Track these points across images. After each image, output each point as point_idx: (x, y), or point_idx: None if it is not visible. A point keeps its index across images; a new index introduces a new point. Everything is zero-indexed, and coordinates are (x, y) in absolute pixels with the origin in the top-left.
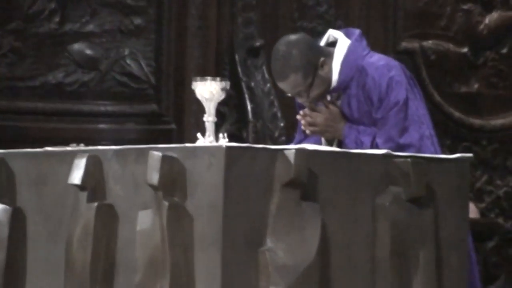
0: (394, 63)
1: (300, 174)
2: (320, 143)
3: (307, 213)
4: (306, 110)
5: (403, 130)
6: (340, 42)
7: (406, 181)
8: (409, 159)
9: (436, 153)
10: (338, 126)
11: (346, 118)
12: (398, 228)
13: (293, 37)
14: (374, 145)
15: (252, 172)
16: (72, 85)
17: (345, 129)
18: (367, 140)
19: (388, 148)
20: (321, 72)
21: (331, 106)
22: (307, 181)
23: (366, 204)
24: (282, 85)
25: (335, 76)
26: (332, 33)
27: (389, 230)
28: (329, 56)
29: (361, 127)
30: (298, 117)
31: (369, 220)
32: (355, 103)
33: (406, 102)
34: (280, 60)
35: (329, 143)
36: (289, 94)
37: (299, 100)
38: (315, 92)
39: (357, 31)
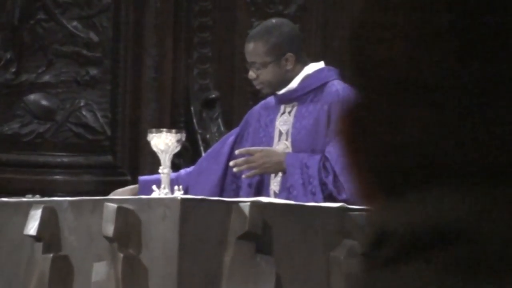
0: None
1: (255, 226)
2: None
3: (261, 265)
4: (238, 160)
5: None
6: (318, 64)
7: (361, 235)
8: (364, 212)
9: None
10: (276, 159)
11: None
12: (352, 281)
13: (290, 22)
14: (321, 166)
15: (207, 224)
16: (27, 136)
17: (287, 158)
18: (313, 163)
19: (341, 164)
20: (282, 64)
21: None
22: (262, 233)
23: (321, 257)
24: (246, 46)
25: (295, 83)
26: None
27: (344, 283)
28: (301, 61)
29: (303, 153)
30: (231, 163)
31: (324, 273)
32: (310, 118)
33: None
34: (261, 26)
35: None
36: (248, 61)
37: (250, 73)
38: (265, 76)
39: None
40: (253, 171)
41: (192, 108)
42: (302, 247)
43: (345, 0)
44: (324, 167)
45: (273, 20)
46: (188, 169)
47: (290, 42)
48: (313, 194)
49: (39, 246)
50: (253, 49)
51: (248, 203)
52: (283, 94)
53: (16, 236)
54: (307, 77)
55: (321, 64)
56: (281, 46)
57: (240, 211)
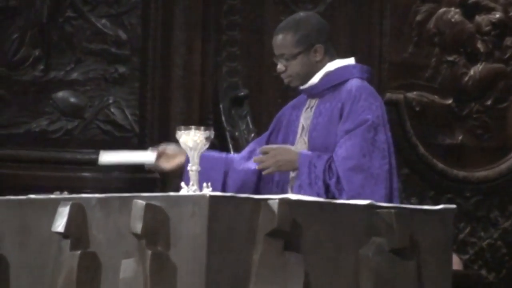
0: (372, 88)
1: (284, 223)
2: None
3: (290, 263)
4: (256, 157)
5: (366, 153)
6: (346, 60)
7: (390, 232)
8: (392, 210)
9: (389, 191)
10: (289, 157)
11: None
12: (381, 278)
13: (317, 15)
14: (326, 168)
15: (235, 222)
16: (56, 133)
17: (299, 157)
18: (320, 163)
19: (344, 166)
20: (311, 55)
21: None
22: (291, 231)
23: (349, 254)
24: (275, 39)
25: (317, 78)
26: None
27: (372, 280)
28: (328, 54)
29: (315, 153)
30: (253, 160)
31: (352, 271)
32: (325, 116)
33: (376, 125)
34: (289, 19)
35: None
36: (276, 54)
37: (278, 67)
38: (294, 68)
39: (369, 69)
40: (269, 169)
41: (221, 106)
42: (331, 244)
43: None
44: (330, 168)
45: (301, 13)
46: (237, 155)
47: (318, 34)
48: (318, 194)
49: (67, 243)
50: (282, 40)
51: (277, 200)
52: (306, 89)
53: (44, 233)
54: (328, 73)
55: (348, 61)
56: (310, 37)
57: (269, 208)
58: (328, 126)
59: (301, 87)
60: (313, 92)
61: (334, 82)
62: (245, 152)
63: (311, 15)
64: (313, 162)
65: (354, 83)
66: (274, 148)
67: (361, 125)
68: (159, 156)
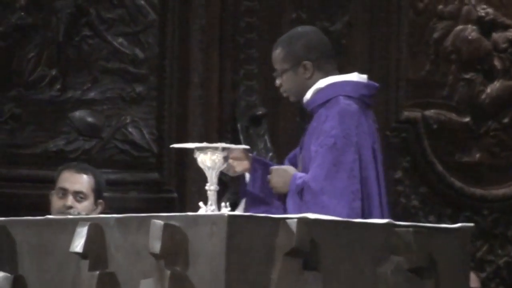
0: (347, 108)
1: (302, 243)
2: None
3: (309, 282)
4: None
5: (328, 174)
6: (343, 76)
7: (408, 251)
8: (410, 229)
9: (358, 210)
10: (284, 180)
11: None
12: None
13: (316, 31)
14: (300, 188)
15: (254, 241)
16: (73, 153)
17: (291, 179)
18: (299, 183)
19: (308, 188)
20: (299, 72)
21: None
22: (309, 250)
23: (368, 273)
24: (272, 53)
25: (309, 94)
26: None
27: None
28: (321, 71)
29: (303, 174)
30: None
31: None
32: (311, 134)
33: (342, 145)
34: (288, 33)
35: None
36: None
37: (276, 81)
38: (285, 83)
39: (370, 86)
40: (273, 189)
41: (238, 125)
42: (349, 263)
43: (390, 16)
44: (302, 190)
45: (299, 29)
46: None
47: (307, 50)
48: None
49: (85, 263)
50: (274, 55)
51: (295, 219)
52: (303, 105)
53: (62, 253)
54: (318, 90)
55: (344, 77)
56: (298, 53)
57: (287, 227)
58: (309, 145)
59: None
60: (308, 109)
61: (321, 100)
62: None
63: (307, 31)
64: (295, 182)
65: (334, 101)
66: (275, 169)
67: (325, 145)
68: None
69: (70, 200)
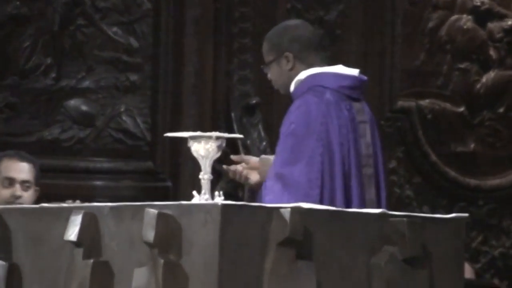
0: (313, 98)
1: (296, 232)
2: None
3: (302, 271)
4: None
5: (286, 161)
6: (329, 68)
7: (402, 241)
8: (404, 219)
9: (317, 198)
10: (266, 169)
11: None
12: (393, 287)
13: (302, 24)
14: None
15: (247, 230)
16: (68, 141)
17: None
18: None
19: (269, 175)
20: (282, 63)
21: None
22: (303, 239)
23: (362, 263)
24: None
25: (292, 87)
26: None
27: None
28: (304, 63)
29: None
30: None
31: (364, 280)
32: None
33: (300, 133)
34: (275, 27)
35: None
36: None
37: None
38: (272, 76)
39: (360, 78)
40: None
41: (232, 114)
42: (343, 253)
43: (385, 5)
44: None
45: (286, 21)
46: None
47: (291, 42)
48: None
49: (79, 251)
50: (262, 49)
51: (289, 208)
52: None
53: (56, 241)
54: (299, 82)
55: (327, 69)
56: (281, 45)
57: (281, 217)
58: None
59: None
60: (293, 100)
61: (301, 91)
62: None
63: (292, 23)
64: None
65: (306, 92)
66: (262, 158)
67: (284, 133)
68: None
69: (18, 190)
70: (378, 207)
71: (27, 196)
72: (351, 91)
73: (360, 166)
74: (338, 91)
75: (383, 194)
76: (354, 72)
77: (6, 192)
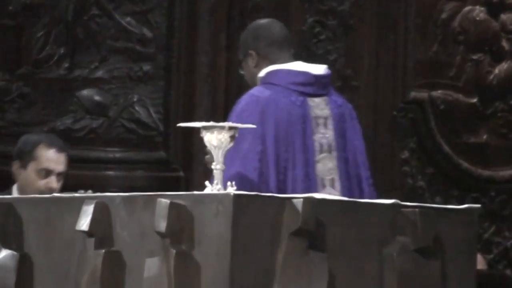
0: (251, 96)
1: (308, 222)
2: None
3: (314, 262)
4: None
5: (228, 159)
6: (284, 65)
7: (414, 231)
8: (417, 209)
9: (256, 189)
10: None
11: None
12: (405, 278)
13: (272, 22)
14: None
15: (260, 221)
16: (80, 131)
17: None
18: None
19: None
20: (248, 61)
21: None
22: (315, 230)
23: (373, 253)
24: None
25: (258, 83)
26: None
27: (396, 280)
28: (267, 60)
29: None
30: None
31: (376, 270)
32: None
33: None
34: None
35: None
36: None
37: None
38: (244, 74)
39: (314, 75)
40: None
41: None
42: (355, 243)
43: None
44: None
45: (257, 21)
46: None
47: (255, 40)
48: None
49: (91, 241)
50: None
51: (301, 199)
52: None
53: (68, 231)
54: (260, 79)
55: (286, 65)
56: (246, 44)
57: (293, 207)
58: None
59: None
60: None
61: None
62: None
63: (260, 22)
64: None
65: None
66: None
67: None
68: None
69: (54, 182)
70: (353, 196)
71: (58, 187)
72: (305, 88)
73: (312, 161)
74: (287, 87)
75: (367, 184)
76: (311, 68)
77: (41, 183)
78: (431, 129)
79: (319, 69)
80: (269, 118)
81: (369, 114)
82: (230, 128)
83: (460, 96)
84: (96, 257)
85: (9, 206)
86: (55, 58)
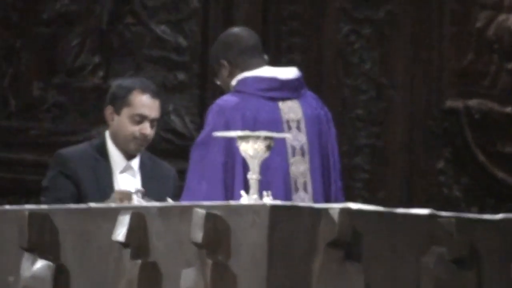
0: (216, 106)
1: (344, 233)
2: None
3: (350, 273)
4: None
5: (190, 171)
6: (253, 72)
7: (450, 241)
8: (453, 219)
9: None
10: None
11: None
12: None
13: (242, 30)
14: None
15: (296, 231)
16: None
17: None
18: None
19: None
20: (222, 71)
21: None
22: (351, 240)
23: (410, 264)
24: None
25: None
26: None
27: None
28: (237, 68)
29: None
30: None
31: (413, 280)
32: None
33: (205, 142)
34: None
35: None
36: None
37: None
38: (221, 85)
39: (282, 79)
40: None
41: None
42: (391, 254)
43: (432, 5)
44: None
45: (226, 31)
46: None
47: (225, 49)
48: None
49: (127, 252)
50: None
51: (337, 209)
52: None
53: (104, 242)
54: (232, 88)
55: (255, 72)
56: (217, 54)
57: (330, 217)
58: None
59: None
60: None
61: None
62: None
63: (230, 31)
64: None
65: None
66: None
67: (194, 144)
68: None
69: (148, 128)
70: (324, 199)
71: (152, 134)
72: (273, 93)
73: (286, 164)
74: (255, 94)
75: (334, 187)
76: (279, 73)
77: (134, 129)
78: (466, 138)
79: (288, 73)
80: (232, 127)
81: (404, 123)
82: (266, 137)
83: (495, 105)
84: (132, 268)
85: (45, 216)
86: (90, 67)
